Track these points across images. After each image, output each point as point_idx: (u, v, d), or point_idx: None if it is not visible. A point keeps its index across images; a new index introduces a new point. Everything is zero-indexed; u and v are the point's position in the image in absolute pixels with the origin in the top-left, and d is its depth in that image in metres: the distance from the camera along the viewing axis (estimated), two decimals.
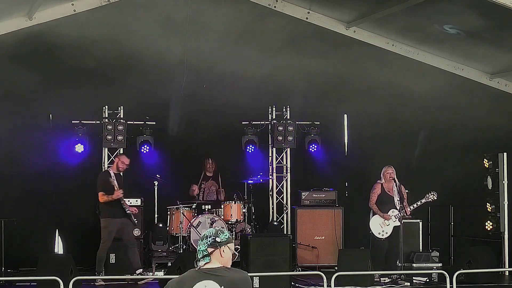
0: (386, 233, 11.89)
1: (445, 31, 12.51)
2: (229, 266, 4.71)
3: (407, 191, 12.29)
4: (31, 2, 11.87)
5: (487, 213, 13.21)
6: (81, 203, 12.15)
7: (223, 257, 4.66)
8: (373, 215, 11.99)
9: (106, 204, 11.70)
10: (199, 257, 4.66)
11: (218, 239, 4.65)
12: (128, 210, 11.74)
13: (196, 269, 4.65)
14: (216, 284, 4.55)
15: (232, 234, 13.13)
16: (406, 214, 11.82)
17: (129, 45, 12.54)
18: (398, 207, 11.85)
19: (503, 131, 13.43)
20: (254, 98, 13.49)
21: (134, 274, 11.55)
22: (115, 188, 11.62)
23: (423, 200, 11.83)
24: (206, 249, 4.64)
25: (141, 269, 11.76)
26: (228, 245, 4.67)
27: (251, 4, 12.91)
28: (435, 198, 11.78)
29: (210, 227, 11.91)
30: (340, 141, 14.67)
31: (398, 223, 11.84)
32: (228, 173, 14.10)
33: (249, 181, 13.77)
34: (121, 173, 13.13)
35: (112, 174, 11.85)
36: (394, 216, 11.84)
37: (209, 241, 4.65)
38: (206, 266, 4.64)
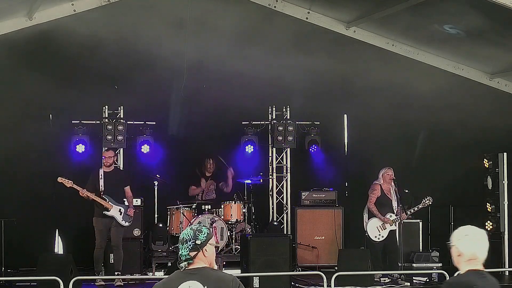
0: (382, 236, 11.90)
1: (445, 31, 12.51)
2: (214, 260, 4.68)
3: (406, 191, 12.28)
4: (31, 2, 11.87)
5: (487, 213, 13.22)
6: (81, 203, 12.12)
7: (207, 256, 4.63)
8: (369, 218, 11.97)
9: (94, 203, 11.80)
10: (182, 259, 4.62)
11: (198, 242, 4.60)
12: (108, 211, 11.75)
13: (181, 270, 4.63)
14: (200, 284, 4.53)
15: (232, 234, 13.12)
16: (403, 219, 11.85)
17: (130, 45, 12.53)
18: (395, 211, 11.86)
19: (503, 131, 13.42)
20: (254, 98, 13.47)
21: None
22: (80, 188, 11.68)
23: (420, 206, 11.91)
24: (188, 253, 4.60)
25: (119, 272, 11.78)
26: (209, 242, 4.64)
27: (250, 4, 12.90)
28: (431, 203, 11.89)
29: (210, 227, 11.91)
30: (340, 141, 14.65)
31: (394, 227, 11.86)
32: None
33: (249, 181, 13.75)
34: (121, 168, 13.16)
35: (101, 173, 11.89)
36: (392, 220, 11.84)
37: (190, 245, 4.60)
38: (191, 266, 4.62)
